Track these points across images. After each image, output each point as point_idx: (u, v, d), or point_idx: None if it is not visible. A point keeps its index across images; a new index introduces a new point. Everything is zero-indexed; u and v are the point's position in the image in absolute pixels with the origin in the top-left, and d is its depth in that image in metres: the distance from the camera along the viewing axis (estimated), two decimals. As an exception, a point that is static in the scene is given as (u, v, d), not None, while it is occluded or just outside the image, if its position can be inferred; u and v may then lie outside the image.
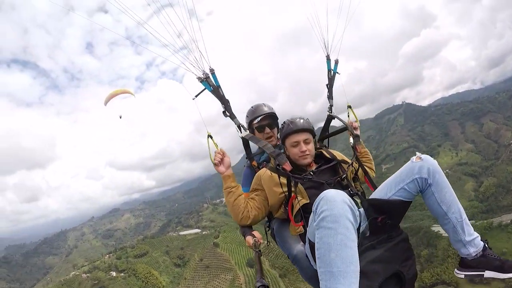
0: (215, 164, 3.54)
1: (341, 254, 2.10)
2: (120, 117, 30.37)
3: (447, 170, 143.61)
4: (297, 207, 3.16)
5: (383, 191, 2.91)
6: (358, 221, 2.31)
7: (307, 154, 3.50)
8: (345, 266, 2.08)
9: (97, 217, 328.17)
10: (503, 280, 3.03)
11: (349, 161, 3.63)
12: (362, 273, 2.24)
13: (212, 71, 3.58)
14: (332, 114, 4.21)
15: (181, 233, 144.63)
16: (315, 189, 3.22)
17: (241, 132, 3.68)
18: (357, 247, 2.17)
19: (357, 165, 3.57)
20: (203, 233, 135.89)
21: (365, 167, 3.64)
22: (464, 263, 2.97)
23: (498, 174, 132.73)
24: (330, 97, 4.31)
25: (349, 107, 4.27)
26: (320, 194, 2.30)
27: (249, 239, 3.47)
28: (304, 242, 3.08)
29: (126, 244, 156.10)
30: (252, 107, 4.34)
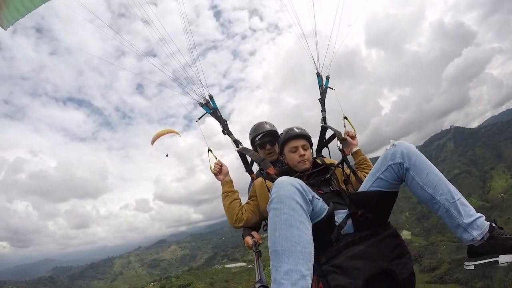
0: (215, 174, 3.96)
1: (285, 233, 2.09)
2: (167, 156, 31.64)
3: (502, 194, 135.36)
4: None
5: (363, 186, 2.83)
6: (311, 206, 2.31)
7: (306, 159, 3.57)
8: (289, 245, 2.05)
9: (144, 247, 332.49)
10: None
11: (335, 163, 3.74)
12: (341, 269, 2.30)
13: (210, 96, 4.19)
14: (326, 124, 4.30)
15: (227, 265, 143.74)
16: None
17: (237, 147, 3.96)
18: (308, 230, 2.15)
19: (348, 170, 3.58)
20: (249, 266, 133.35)
21: (359, 171, 3.69)
22: (472, 252, 2.49)
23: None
24: (323, 109, 4.46)
25: (345, 118, 4.40)
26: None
27: (248, 239, 3.53)
28: None
29: (171, 274, 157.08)
30: (254, 125, 4.58)
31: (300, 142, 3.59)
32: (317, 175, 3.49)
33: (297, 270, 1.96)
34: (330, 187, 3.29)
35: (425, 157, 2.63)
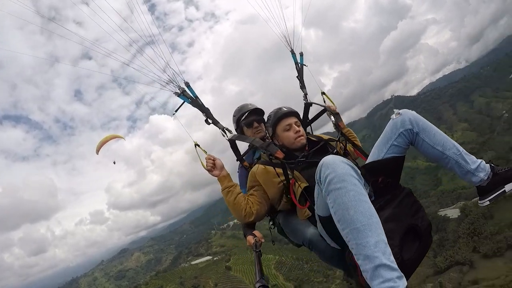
0: (208, 170, 3.59)
1: (359, 209, 2.12)
2: (114, 163, 30.73)
3: None
4: (299, 190, 3.20)
5: (375, 155, 2.99)
6: (363, 180, 2.34)
7: (302, 135, 3.60)
8: (367, 219, 2.10)
9: (107, 260, 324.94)
10: None
11: (335, 139, 3.85)
12: None
13: (187, 84, 3.87)
14: (308, 101, 4.36)
15: (193, 262, 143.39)
16: (310, 169, 3.24)
17: (226, 136, 3.79)
18: (370, 202, 2.20)
19: (344, 142, 3.77)
20: (215, 259, 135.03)
21: (353, 141, 3.87)
22: (482, 191, 2.95)
23: (495, 147, 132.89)
24: (303, 86, 4.54)
25: (323, 93, 4.47)
26: (319, 163, 2.37)
27: (250, 238, 3.42)
28: (315, 224, 3.15)
29: (140, 282, 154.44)
30: (238, 107, 4.46)
31: (292, 119, 3.63)
32: (321, 152, 3.53)
33: (381, 239, 2.05)
34: None
35: (428, 121, 2.90)
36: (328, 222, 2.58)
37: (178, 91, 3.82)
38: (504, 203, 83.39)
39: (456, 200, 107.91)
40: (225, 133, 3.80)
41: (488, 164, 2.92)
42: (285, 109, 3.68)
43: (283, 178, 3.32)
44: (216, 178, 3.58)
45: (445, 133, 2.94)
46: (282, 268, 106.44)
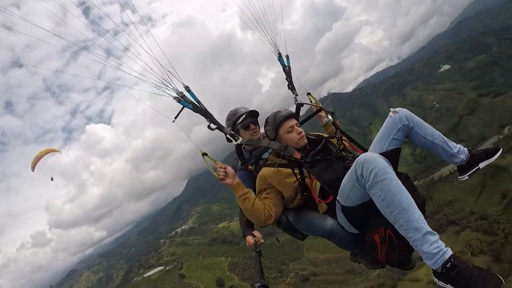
0: (221, 179, 3.54)
1: (403, 193, 2.72)
2: (52, 179, 28.81)
3: None
4: (318, 186, 3.59)
5: (378, 148, 3.57)
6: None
7: (303, 135, 3.89)
8: (409, 200, 2.70)
9: (56, 284, 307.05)
10: (492, 161, 3.71)
11: (333, 135, 4.18)
12: None
13: (187, 88, 3.66)
14: (300, 102, 4.57)
15: (145, 275, 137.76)
16: (319, 167, 3.63)
17: (235, 140, 3.83)
18: None
19: (341, 139, 4.11)
20: (167, 268, 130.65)
21: (345, 133, 4.24)
22: (462, 169, 3.73)
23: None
24: (293, 88, 4.69)
25: (309, 94, 4.72)
26: (358, 160, 2.88)
27: (250, 239, 3.54)
28: (333, 217, 3.52)
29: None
30: (231, 111, 4.53)
31: (293, 121, 3.90)
32: (324, 149, 3.93)
33: (419, 213, 2.69)
34: (346, 160, 3.82)
35: (417, 116, 3.61)
36: (354, 211, 3.18)
37: (178, 96, 3.65)
38: (441, 185, 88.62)
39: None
40: (233, 138, 3.85)
41: (466, 148, 3.67)
42: (285, 111, 3.93)
43: (298, 177, 3.61)
44: (230, 186, 3.59)
45: (380, 125, 3.71)
46: (236, 269, 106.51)
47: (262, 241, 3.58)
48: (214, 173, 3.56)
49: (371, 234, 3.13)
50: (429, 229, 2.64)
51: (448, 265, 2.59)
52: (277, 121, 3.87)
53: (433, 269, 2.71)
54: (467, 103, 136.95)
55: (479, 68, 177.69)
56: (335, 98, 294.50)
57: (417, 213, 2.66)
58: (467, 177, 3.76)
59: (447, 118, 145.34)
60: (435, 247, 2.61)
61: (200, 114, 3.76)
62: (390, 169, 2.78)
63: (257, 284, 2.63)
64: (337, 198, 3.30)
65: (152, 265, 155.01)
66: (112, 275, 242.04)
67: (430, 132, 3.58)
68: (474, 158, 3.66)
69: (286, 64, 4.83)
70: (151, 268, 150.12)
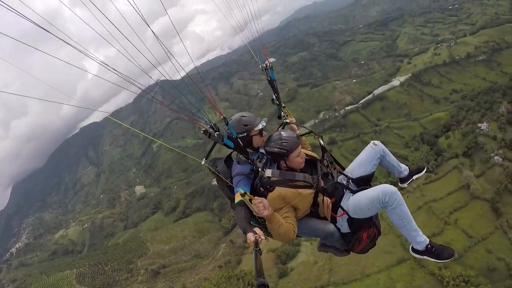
0: (261, 214, 3.73)
1: (408, 211, 4.29)
2: None
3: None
4: (330, 204, 4.60)
5: (361, 170, 4.86)
6: None
7: (304, 158, 4.61)
8: (410, 214, 4.34)
9: None
10: (420, 176, 5.48)
11: (317, 157, 4.97)
12: (375, 217, 4.77)
13: (225, 120, 4.25)
14: (287, 120, 5.47)
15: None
16: (331, 190, 4.58)
17: (265, 173, 4.18)
18: None
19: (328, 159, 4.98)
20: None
21: (334, 157, 5.08)
22: (403, 180, 5.41)
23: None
24: (280, 105, 5.42)
25: (284, 107, 5.49)
26: (385, 190, 4.17)
27: (251, 236, 3.55)
28: (333, 223, 4.64)
29: None
30: (244, 116, 4.78)
31: (300, 147, 4.54)
32: (319, 168, 4.75)
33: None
34: (331, 174, 4.92)
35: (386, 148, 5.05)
36: (358, 220, 4.46)
37: (223, 133, 3.93)
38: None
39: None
40: (264, 169, 4.15)
41: (407, 166, 5.34)
42: (294, 137, 4.48)
43: (312, 196, 4.39)
44: (268, 217, 3.79)
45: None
46: (85, 279, 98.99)
47: (264, 237, 3.66)
48: (255, 210, 3.69)
49: (361, 232, 4.53)
50: (418, 228, 4.40)
51: (428, 246, 4.44)
52: (294, 145, 4.39)
53: (412, 248, 4.57)
54: (288, 92, 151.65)
55: (301, 63, 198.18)
56: (164, 85, 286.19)
57: (414, 221, 4.33)
58: (406, 185, 5.40)
59: (270, 105, 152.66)
60: (423, 238, 4.46)
61: (237, 151, 4.27)
62: (401, 196, 4.18)
63: (257, 283, 2.70)
64: (350, 213, 4.47)
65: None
66: None
67: (392, 158, 5.11)
68: (411, 173, 5.35)
69: (271, 77, 5.29)
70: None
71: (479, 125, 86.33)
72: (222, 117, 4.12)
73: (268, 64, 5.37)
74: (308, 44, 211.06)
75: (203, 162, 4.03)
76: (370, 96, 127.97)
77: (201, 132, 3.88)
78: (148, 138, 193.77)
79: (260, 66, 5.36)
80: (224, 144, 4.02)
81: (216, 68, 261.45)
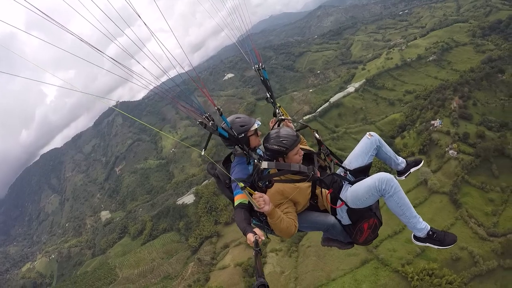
0: (261, 208, 3.89)
1: (406, 197, 4.34)
2: None
3: (173, 149, 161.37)
4: (328, 196, 4.76)
5: (359, 161, 4.86)
6: None
7: (302, 154, 4.74)
8: (408, 201, 4.35)
9: None
10: (417, 169, 5.42)
11: (314, 151, 5.10)
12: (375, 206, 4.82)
13: (220, 112, 4.59)
14: (282, 117, 5.59)
15: None
16: (329, 182, 4.73)
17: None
18: None
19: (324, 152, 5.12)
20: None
21: (330, 149, 5.12)
22: (400, 173, 5.39)
23: (215, 136, 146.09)
24: (274, 104, 5.67)
25: (279, 106, 5.69)
26: (381, 178, 4.24)
27: (251, 236, 3.62)
28: (333, 215, 4.78)
29: None
30: (239, 117, 4.99)
31: (299, 145, 4.63)
32: (315, 160, 4.87)
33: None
34: (329, 168, 5.14)
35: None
36: (358, 211, 4.55)
37: (223, 125, 4.26)
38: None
39: (189, 188, 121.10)
40: (260, 161, 4.40)
41: (404, 159, 5.35)
42: (294, 135, 4.58)
43: (310, 189, 4.53)
44: (269, 211, 3.92)
45: (169, 131, 72.11)
46: None
47: (263, 238, 3.74)
48: (256, 205, 3.85)
49: (362, 223, 4.58)
50: (418, 214, 4.41)
51: (430, 233, 4.44)
52: (294, 144, 4.48)
53: (415, 236, 4.58)
54: (247, 106, 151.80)
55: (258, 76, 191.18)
56: (124, 107, 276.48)
57: (413, 208, 4.33)
58: (404, 178, 5.39)
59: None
60: (424, 224, 4.47)
61: (238, 147, 4.74)
62: (398, 183, 4.27)
63: (257, 283, 2.71)
64: (348, 203, 4.54)
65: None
66: None
67: (388, 150, 5.08)
68: (408, 166, 5.33)
69: (266, 78, 5.56)
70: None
71: (432, 122, 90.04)
72: (216, 108, 4.40)
73: (261, 65, 5.70)
74: (265, 58, 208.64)
75: (202, 153, 4.09)
76: (327, 104, 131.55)
77: (197, 123, 4.19)
78: (110, 163, 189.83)
79: (253, 68, 5.71)
80: (219, 134, 4.29)
81: (176, 87, 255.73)
